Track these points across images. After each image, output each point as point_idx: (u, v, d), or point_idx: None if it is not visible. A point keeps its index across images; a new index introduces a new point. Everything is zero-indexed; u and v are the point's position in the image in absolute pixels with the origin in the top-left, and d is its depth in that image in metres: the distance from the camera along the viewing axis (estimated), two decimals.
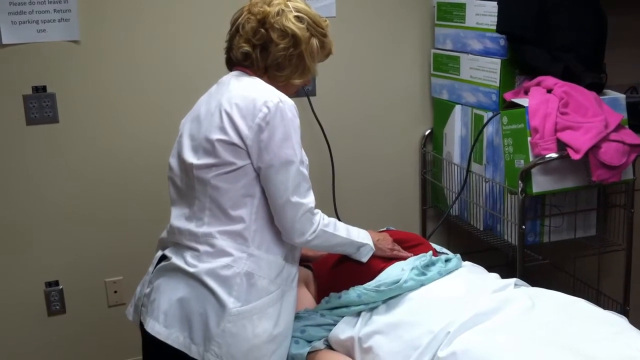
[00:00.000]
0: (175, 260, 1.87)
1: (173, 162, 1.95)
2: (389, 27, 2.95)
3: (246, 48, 1.89)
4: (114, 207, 2.72)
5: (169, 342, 1.83)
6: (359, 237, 2.00)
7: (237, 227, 1.82)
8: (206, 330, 1.79)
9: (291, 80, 1.92)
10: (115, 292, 2.78)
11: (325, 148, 2.89)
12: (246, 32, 1.89)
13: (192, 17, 2.68)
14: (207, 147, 1.82)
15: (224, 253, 1.81)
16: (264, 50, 1.89)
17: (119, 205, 2.73)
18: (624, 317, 1.86)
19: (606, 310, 1.88)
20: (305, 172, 1.84)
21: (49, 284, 2.72)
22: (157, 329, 1.85)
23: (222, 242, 1.81)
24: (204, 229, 1.83)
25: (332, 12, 2.85)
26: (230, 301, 1.78)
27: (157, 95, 2.70)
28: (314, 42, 1.92)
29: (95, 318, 2.78)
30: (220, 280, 1.79)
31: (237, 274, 1.80)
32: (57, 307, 2.74)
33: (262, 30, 1.87)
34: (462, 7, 2.72)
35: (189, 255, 1.84)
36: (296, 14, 1.89)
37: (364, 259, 2.03)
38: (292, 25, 1.87)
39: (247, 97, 1.80)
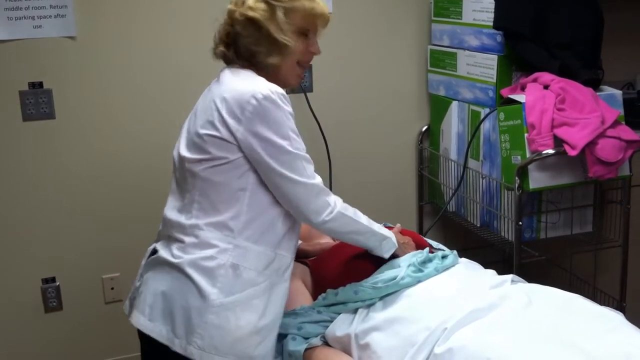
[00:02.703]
0: (162, 252, 1.88)
1: (174, 155, 1.97)
2: (385, 23, 2.95)
3: (221, 48, 1.92)
4: (111, 203, 2.72)
5: (153, 335, 1.83)
6: (381, 230, 1.99)
7: (225, 218, 1.81)
8: (188, 322, 1.79)
9: (268, 61, 1.87)
10: (112, 288, 2.78)
11: (322, 144, 2.89)
12: (220, 34, 1.92)
13: (189, 12, 2.67)
14: (197, 141, 1.83)
15: (209, 244, 1.81)
16: (236, 46, 1.90)
17: (116, 202, 2.73)
18: (621, 313, 1.86)
19: (602, 306, 1.88)
20: (307, 155, 1.84)
21: (45, 281, 2.72)
22: (141, 322, 1.86)
23: (208, 234, 1.81)
24: (192, 221, 1.84)
25: (329, 8, 2.83)
26: (212, 292, 1.78)
27: (154, 91, 2.69)
28: (279, 14, 1.85)
29: (93, 315, 2.78)
30: (203, 272, 1.79)
31: (222, 266, 1.79)
32: (54, 303, 2.74)
33: (230, 28, 1.89)
34: (458, 3, 2.72)
35: (175, 247, 1.85)
36: None
37: (386, 255, 2.01)
38: (250, 10, 1.85)
39: (235, 91, 1.80)
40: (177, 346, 1.80)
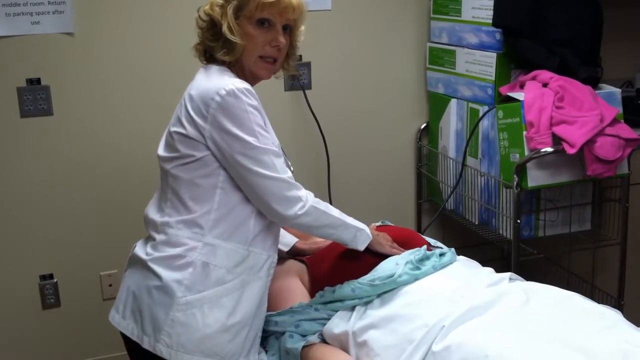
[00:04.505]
0: (138, 250, 1.90)
1: None
2: (384, 20, 2.95)
3: (198, 46, 1.94)
4: (108, 200, 2.72)
5: (126, 333, 1.85)
6: (354, 223, 1.97)
7: (194, 216, 1.81)
8: (155, 320, 1.79)
9: (222, 58, 1.86)
10: (110, 285, 2.78)
11: (321, 141, 2.89)
12: (198, 32, 1.93)
13: (188, 8, 2.66)
14: (168, 139, 1.85)
15: (178, 242, 1.81)
16: (201, 44, 1.92)
17: (114, 198, 2.72)
18: (619, 311, 1.86)
19: (601, 305, 1.88)
20: (276, 149, 1.83)
21: (43, 277, 2.72)
22: (116, 319, 1.88)
23: (178, 232, 1.82)
24: (164, 219, 1.85)
25: (328, 5, 2.84)
26: (179, 290, 1.78)
27: (152, 87, 2.69)
28: (229, 10, 1.84)
29: (90, 311, 2.77)
30: (170, 269, 1.80)
31: (190, 263, 1.79)
32: (52, 300, 2.73)
33: (202, 23, 1.91)
34: (458, 0, 2.71)
35: (149, 245, 1.86)
36: None
37: (361, 247, 1.99)
38: (208, 7, 1.87)
39: (200, 88, 1.80)
40: (146, 344, 1.81)
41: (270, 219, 1.87)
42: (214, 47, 1.87)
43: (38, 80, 2.58)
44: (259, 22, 1.84)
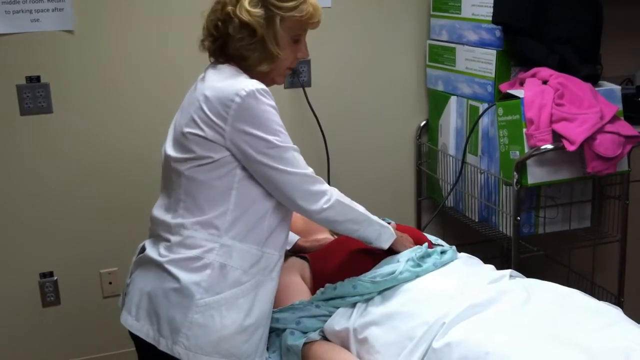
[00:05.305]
0: (149, 251, 1.87)
1: (162, 152, 1.95)
2: (384, 18, 2.95)
3: (207, 42, 1.89)
4: (108, 197, 2.72)
5: (140, 335, 1.83)
6: (379, 220, 1.97)
7: (210, 217, 1.80)
8: (173, 322, 1.78)
9: (258, 68, 1.85)
10: (110, 283, 2.78)
11: (321, 139, 2.89)
12: (208, 24, 1.88)
13: (188, 6, 2.66)
14: (182, 140, 1.82)
15: (195, 244, 1.80)
16: (223, 44, 1.85)
17: (114, 196, 2.72)
18: (619, 308, 1.86)
19: (601, 302, 1.88)
20: (296, 147, 1.83)
21: (43, 275, 2.72)
22: (129, 321, 1.86)
23: (194, 233, 1.81)
24: (178, 220, 1.83)
25: (328, 2, 2.84)
26: (197, 292, 1.77)
27: (152, 85, 2.69)
28: (277, 22, 1.81)
29: (90, 309, 2.77)
30: (188, 271, 1.79)
31: (207, 265, 1.79)
32: (52, 298, 2.73)
33: (220, 23, 1.84)
34: None
35: (162, 247, 1.84)
36: None
37: (385, 245, 1.99)
38: (245, 14, 1.79)
39: (217, 89, 1.78)
40: (162, 346, 1.80)
41: (298, 213, 1.87)
42: (248, 57, 1.83)
43: (38, 78, 2.57)
44: (294, 37, 1.85)
